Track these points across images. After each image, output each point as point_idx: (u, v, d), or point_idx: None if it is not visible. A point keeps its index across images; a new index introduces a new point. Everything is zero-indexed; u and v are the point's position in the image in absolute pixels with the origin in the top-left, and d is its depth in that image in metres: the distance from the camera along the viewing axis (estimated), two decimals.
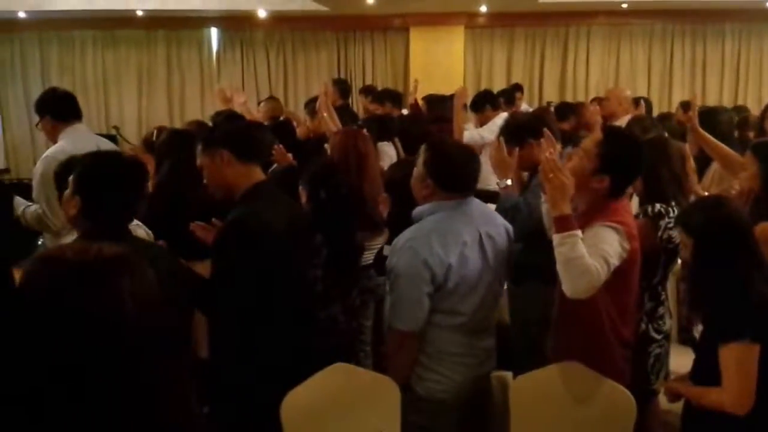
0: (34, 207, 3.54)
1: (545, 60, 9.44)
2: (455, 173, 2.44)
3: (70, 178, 2.11)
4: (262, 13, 8.79)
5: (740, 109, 6.23)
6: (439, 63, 8.85)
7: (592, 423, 2.37)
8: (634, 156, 2.47)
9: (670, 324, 2.96)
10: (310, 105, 5.35)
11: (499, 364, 2.65)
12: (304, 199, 2.91)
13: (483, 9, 8.65)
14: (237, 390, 2.36)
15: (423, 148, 2.51)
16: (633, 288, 2.52)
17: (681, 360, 2.83)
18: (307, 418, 2.30)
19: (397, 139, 4.79)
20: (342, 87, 6.84)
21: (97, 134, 4.54)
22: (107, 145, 3.67)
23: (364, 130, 3.71)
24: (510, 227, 2.61)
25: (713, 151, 3.65)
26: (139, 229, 2.68)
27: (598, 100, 6.45)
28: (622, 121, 5.13)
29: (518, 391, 2.45)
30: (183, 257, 2.48)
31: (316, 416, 2.32)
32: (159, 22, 9.17)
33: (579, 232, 2.19)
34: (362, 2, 7.68)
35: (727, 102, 8.59)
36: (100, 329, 1.09)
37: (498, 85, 8.41)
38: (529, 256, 2.89)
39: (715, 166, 3.87)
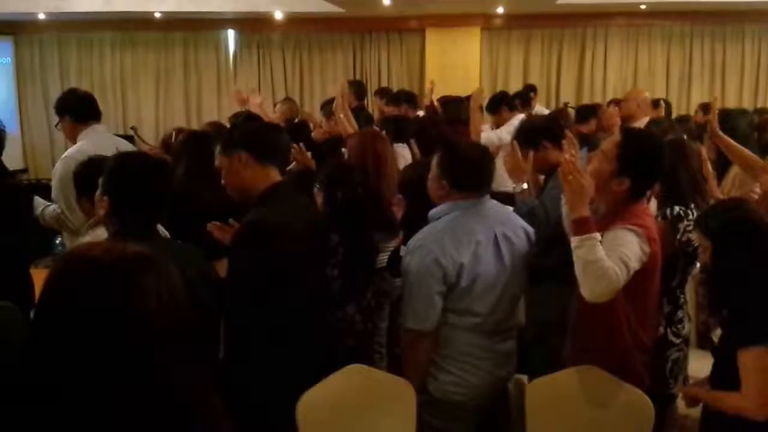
0: (52, 207, 3.59)
1: (562, 61, 9.37)
2: (468, 173, 2.44)
3: (100, 179, 2.13)
4: (278, 15, 8.81)
5: (761, 111, 6.15)
6: (455, 65, 8.81)
7: (610, 428, 2.35)
8: (655, 158, 2.43)
9: (688, 328, 2.93)
10: (327, 106, 5.35)
11: None
12: (319, 200, 2.91)
13: (500, 10, 8.60)
14: (252, 390, 2.36)
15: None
16: (653, 292, 2.48)
17: (699, 364, 2.79)
18: (322, 419, 2.30)
19: (413, 141, 4.77)
20: (358, 89, 6.81)
21: (114, 135, 4.59)
22: (125, 146, 3.72)
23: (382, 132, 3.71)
24: (530, 229, 2.59)
25: (733, 154, 3.61)
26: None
27: (615, 101, 6.39)
28: (641, 123, 5.09)
29: (535, 395, 2.43)
30: None
31: (331, 417, 2.32)
32: (177, 23, 9.24)
33: (597, 235, 2.17)
34: (378, 4, 7.66)
35: (746, 104, 8.47)
36: (125, 327, 1.09)
37: (514, 87, 8.34)
38: (546, 258, 2.87)
39: (735, 170, 3.82)
